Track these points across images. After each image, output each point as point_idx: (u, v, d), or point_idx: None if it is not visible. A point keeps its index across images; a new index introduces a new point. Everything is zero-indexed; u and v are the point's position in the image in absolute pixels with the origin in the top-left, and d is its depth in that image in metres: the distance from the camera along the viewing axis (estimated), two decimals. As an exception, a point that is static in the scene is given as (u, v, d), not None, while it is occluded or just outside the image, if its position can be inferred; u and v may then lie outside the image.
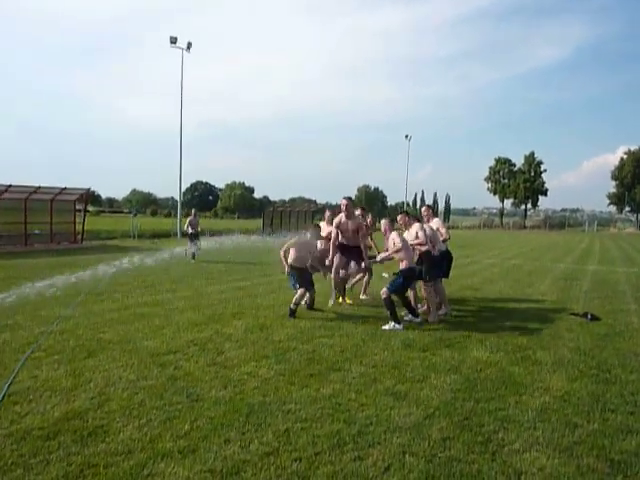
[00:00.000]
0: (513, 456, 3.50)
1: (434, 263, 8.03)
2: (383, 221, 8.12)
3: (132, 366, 5.21)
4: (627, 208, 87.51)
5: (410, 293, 8.19)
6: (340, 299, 9.14)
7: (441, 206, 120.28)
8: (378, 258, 8.06)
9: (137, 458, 3.32)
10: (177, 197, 36.16)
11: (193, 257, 16.35)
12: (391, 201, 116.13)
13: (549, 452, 3.57)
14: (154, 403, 4.24)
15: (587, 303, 9.87)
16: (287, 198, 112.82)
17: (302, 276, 8.11)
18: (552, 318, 8.34)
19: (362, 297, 9.63)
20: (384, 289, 7.37)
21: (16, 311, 7.75)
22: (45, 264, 14.52)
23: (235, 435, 3.69)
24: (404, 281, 7.44)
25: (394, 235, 7.60)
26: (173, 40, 30.66)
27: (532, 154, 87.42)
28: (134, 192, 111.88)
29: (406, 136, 59.95)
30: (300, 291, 7.97)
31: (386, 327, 7.20)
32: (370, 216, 10.61)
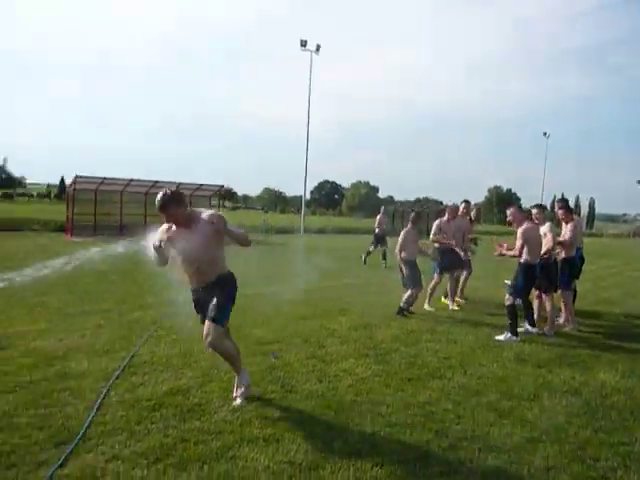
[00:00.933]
0: (632, 500, 3.00)
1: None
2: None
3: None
4: None
5: (535, 301, 7.54)
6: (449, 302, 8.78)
7: (584, 211, 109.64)
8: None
9: (225, 440, 3.46)
10: (305, 196, 37.56)
11: (365, 261, 14.74)
12: (525, 203, 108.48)
13: (681, 502, 3.00)
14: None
15: None
16: (413, 198, 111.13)
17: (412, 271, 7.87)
18: None
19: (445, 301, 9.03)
20: (507, 295, 6.87)
21: (149, 292, 8.62)
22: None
23: (321, 430, 3.67)
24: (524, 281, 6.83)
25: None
26: (303, 43, 31.81)
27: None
28: (266, 190, 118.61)
29: (544, 133, 55.55)
30: (410, 291, 7.75)
31: (501, 337, 6.68)
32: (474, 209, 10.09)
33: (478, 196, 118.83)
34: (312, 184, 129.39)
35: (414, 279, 7.84)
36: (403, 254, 7.91)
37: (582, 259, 8.25)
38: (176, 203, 3.87)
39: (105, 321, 6.61)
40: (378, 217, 14.96)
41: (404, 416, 4.00)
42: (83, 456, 3.18)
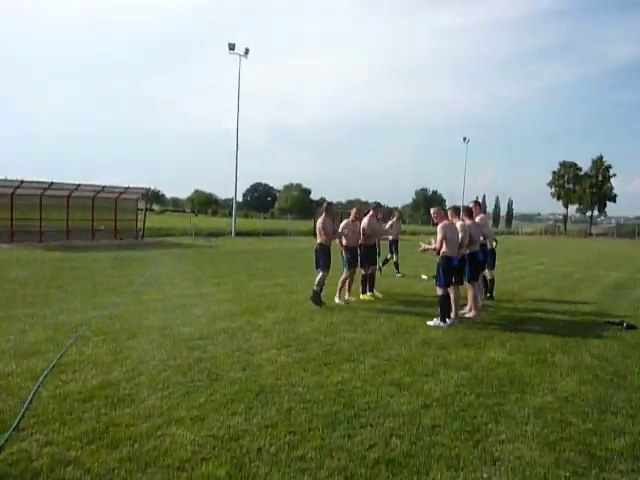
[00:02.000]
0: (496, 445, 3.70)
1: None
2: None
3: (165, 348, 5.79)
4: None
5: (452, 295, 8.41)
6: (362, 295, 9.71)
7: (503, 211, 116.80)
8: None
9: (154, 422, 3.82)
10: (236, 198, 37.51)
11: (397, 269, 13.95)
12: (450, 205, 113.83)
13: (532, 445, 3.74)
14: (178, 379, 4.76)
15: (631, 312, 9.59)
16: (345, 200, 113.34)
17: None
18: (585, 325, 8.23)
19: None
20: (437, 287, 7.80)
21: (76, 296, 8.63)
22: (106, 257, 15.74)
23: (242, 409, 4.12)
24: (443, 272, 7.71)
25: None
26: (231, 46, 31.91)
27: (600, 158, 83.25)
28: (196, 192, 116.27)
29: (464, 139, 58.87)
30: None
31: (431, 323, 7.58)
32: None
33: (406, 198, 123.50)
34: (244, 186, 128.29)
35: (327, 263, 8.86)
36: (318, 240, 8.89)
37: (494, 253, 9.89)
38: None
39: (30, 325, 6.64)
40: (391, 222, 13.82)
41: (318, 394, 4.53)
42: (18, 444, 3.42)
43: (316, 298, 8.69)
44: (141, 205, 25.63)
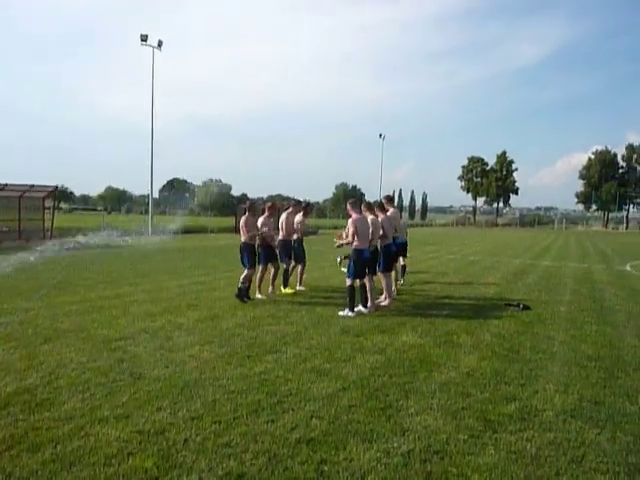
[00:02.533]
0: (405, 418, 4.09)
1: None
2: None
3: (84, 350, 5.68)
4: (594, 207, 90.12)
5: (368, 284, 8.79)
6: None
7: (418, 204, 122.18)
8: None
9: (77, 423, 3.81)
10: (152, 194, 36.16)
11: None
12: (369, 199, 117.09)
13: (437, 415, 4.18)
14: (99, 380, 4.73)
15: (527, 294, 10.64)
16: (266, 195, 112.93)
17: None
18: (486, 308, 9.04)
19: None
20: (347, 279, 8.15)
21: (-22, 304, 8.10)
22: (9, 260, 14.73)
23: (167, 404, 4.21)
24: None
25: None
26: (144, 38, 30.69)
27: (504, 153, 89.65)
28: (108, 189, 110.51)
29: (380, 135, 60.84)
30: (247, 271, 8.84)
31: (341, 313, 7.93)
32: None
33: (326, 192, 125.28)
34: (161, 182, 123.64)
35: (251, 261, 9.06)
36: (243, 238, 9.05)
37: (405, 244, 10.73)
38: None
39: None
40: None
41: (241, 384, 4.71)
42: None
43: (241, 294, 8.80)
44: (48, 204, 24.06)
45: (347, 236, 8.28)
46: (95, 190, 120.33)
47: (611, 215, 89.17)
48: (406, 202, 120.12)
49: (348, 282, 8.12)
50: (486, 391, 4.77)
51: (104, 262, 15.17)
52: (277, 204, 10.34)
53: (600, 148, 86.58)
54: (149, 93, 31.87)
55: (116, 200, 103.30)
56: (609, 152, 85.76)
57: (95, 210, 79.39)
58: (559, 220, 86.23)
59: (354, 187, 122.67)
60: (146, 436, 3.63)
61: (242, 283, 8.88)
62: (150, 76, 31.99)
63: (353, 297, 8.06)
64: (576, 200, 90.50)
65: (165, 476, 3.13)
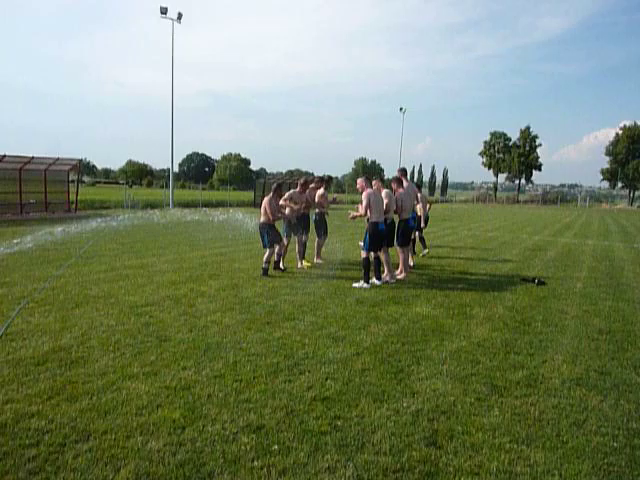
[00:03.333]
0: (416, 382, 4.31)
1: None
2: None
3: (112, 315, 6.01)
4: (619, 184, 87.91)
5: (383, 257, 8.92)
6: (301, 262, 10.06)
7: (439, 180, 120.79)
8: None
9: (109, 378, 4.12)
10: (172, 169, 36.54)
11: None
12: (388, 174, 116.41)
13: (447, 380, 4.38)
14: (128, 341, 5.05)
15: (544, 270, 10.69)
16: (285, 170, 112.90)
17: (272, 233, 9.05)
18: (502, 282, 9.15)
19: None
20: (362, 251, 8.38)
21: (13, 270, 8.52)
22: (40, 231, 15.26)
23: (191, 364, 4.50)
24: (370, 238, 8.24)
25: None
26: (163, 10, 30.60)
27: (528, 128, 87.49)
28: (130, 163, 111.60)
29: (400, 109, 60.00)
30: (268, 251, 8.85)
31: (356, 285, 8.13)
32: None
33: (346, 168, 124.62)
34: (180, 157, 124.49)
35: (271, 240, 8.96)
36: (262, 219, 8.95)
37: (427, 219, 11.88)
38: None
39: (-32, 299, 6.60)
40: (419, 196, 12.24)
41: (261, 348, 4.98)
42: (-23, 404, 3.64)
43: (265, 274, 8.91)
44: (73, 177, 24.61)
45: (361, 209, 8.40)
46: (116, 164, 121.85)
47: (637, 193, 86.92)
48: (426, 178, 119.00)
49: (363, 254, 8.31)
50: (495, 359, 4.95)
51: (128, 234, 15.59)
52: (309, 181, 10.28)
53: (629, 123, 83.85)
54: (169, 68, 31.93)
55: (137, 174, 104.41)
56: (638, 127, 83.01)
57: (117, 183, 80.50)
58: (583, 198, 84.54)
59: (373, 162, 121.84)
60: (173, 391, 3.93)
61: (265, 263, 8.94)
62: (170, 50, 32.02)
63: (368, 269, 8.25)
64: (601, 177, 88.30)
65: (191, 425, 3.41)
